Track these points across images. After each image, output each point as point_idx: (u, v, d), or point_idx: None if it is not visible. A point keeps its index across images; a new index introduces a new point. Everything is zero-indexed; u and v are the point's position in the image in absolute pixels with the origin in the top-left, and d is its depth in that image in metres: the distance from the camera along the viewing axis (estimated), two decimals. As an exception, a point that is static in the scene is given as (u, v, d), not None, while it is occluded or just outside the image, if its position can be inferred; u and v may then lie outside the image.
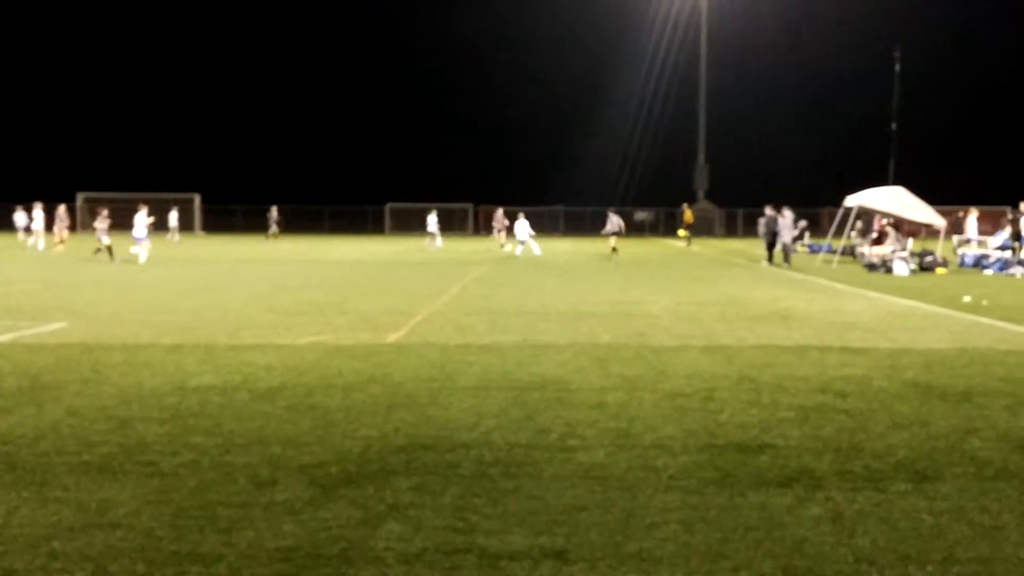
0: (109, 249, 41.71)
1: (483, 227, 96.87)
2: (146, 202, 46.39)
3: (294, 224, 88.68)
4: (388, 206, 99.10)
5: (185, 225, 79.16)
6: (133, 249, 42.34)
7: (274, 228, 76.73)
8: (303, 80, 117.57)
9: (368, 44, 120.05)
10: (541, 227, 55.97)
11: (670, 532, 7.26)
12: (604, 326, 19.87)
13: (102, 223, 42.47)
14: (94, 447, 9.72)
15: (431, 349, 16.46)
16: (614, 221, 52.73)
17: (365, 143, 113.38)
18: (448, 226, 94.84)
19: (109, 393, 12.46)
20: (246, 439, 10.07)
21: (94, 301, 24.97)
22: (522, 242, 54.04)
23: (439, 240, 64.53)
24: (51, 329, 18.88)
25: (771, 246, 45.28)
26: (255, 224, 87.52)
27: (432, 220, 64.59)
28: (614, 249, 51.14)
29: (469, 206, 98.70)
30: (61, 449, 9.63)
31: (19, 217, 60.22)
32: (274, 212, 77.36)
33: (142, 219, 42.29)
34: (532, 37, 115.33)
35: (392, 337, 18.01)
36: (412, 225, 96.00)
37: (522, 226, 54.01)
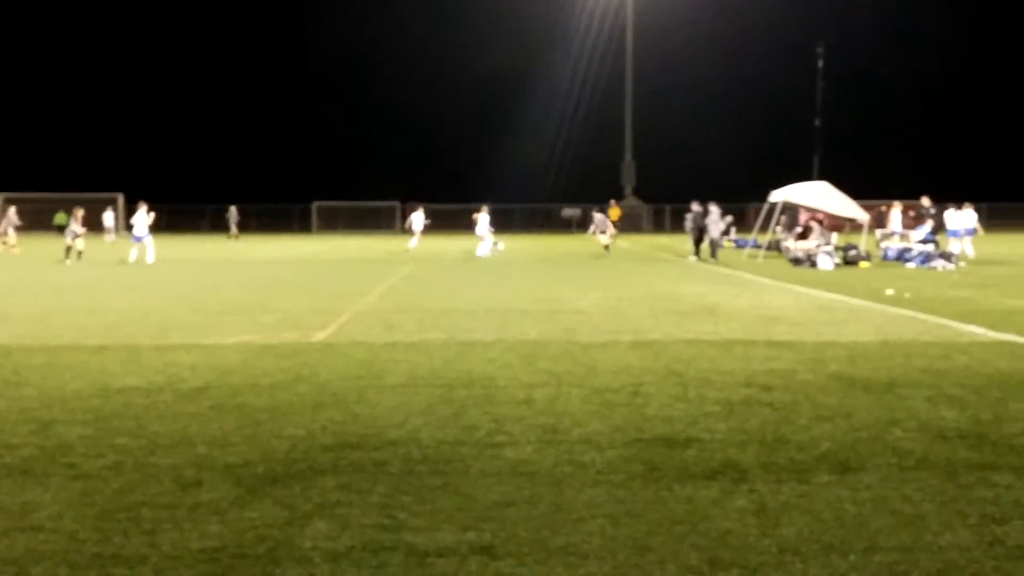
0: (79, 252, 41.39)
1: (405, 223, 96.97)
2: (79, 203, 46.13)
3: (217, 223, 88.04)
4: (315, 204, 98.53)
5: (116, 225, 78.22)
6: (133, 253, 41.36)
7: (234, 229, 75.58)
8: (228, 80, 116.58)
9: (292, 45, 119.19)
10: (469, 225, 55.01)
11: (597, 526, 7.30)
12: (532, 323, 19.91)
13: (78, 226, 42.09)
14: (15, 449, 9.61)
15: (358, 348, 16.42)
16: (598, 219, 52.06)
17: (289, 142, 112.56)
18: (375, 225, 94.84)
19: (30, 395, 12.32)
20: (171, 440, 10.00)
21: (16, 303, 24.67)
22: (482, 237, 52.19)
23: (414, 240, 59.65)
24: (-29, 331, 18.65)
25: (698, 241, 45.83)
26: (182, 224, 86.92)
27: (419, 218, 59.54)
28: (606, 247, 50.28)
29: (396, 204, 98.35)
30: (-18, 452, 9.53)
31: None
32: (234, 211, 76.26)
33: (142, 218, 41.74)
34: (458, 34, 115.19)
35: (319, 336, 17.95)
36: (339, 223, 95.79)
37: (483, 221, 52.35)
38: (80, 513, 7.65)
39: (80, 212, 42.71)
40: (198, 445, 9.78)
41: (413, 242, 55.69)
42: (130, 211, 56.15)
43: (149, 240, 41.59)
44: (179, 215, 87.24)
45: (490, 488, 8.27)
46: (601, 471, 8.80)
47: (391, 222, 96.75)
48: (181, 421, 10.86)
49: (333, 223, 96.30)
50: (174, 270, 37.56)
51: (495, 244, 53.30)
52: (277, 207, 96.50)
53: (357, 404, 11.72)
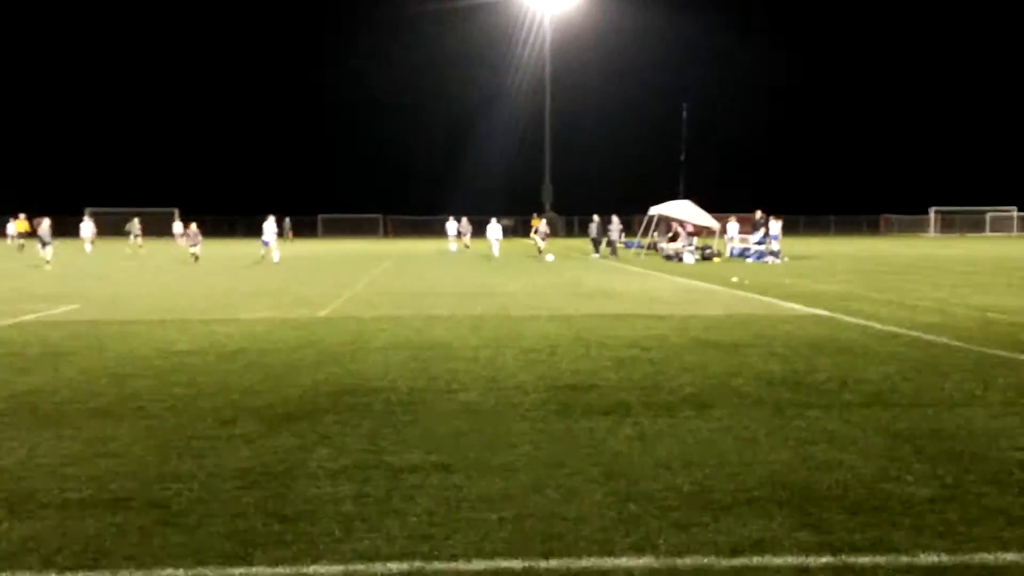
0: (196, 257, 38.64)
1: (390, 231, 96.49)
2: (146, 215, 45.43)
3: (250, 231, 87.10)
4: (320, 216, 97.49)
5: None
6: (269, 252, 38.52)
7: (288, 233, 69.33)
8: (259, 123, 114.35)
9: (309, 96, 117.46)
10: (441, 231, 54.34)
11: (524, 450, 7.33)
12: (477, 302, 19.88)
13: (192, 235, 39.62)
14: (98, 397, 9.53)
15: (351, 321, 16.35)
16: (541, 228, 47.99)
17: (303, 169, 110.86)
18: (364, 231, 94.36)
19: (109, 357, 12.20)
20: (213, 389, 9.94)
21: (97, 290, 24.34)
22: (496, 240, 47.59)
23: (453, 245, 55.08)
24: (66, 309, 18.41)
25: (597, 243, 46.22)
26: (220, 231, 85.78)
27: (453, 226, 55.20)
28: (539, 250, 45.33)
29: (379, 216, 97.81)
30: (72, 399, 9.43)
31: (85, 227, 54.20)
32: (287, 222, 72.49)
33: (271, 226, 38.89)
34: (425, 89, 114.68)
35: (323, 312, 17.85)
36: (345, 229, 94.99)
37: (493, 229, 47.76)
38: (146, 443, 7.60)
39: (193, 225, 40.17)
40: (233, 392, 9.72)
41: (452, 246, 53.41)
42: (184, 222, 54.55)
43: (274, 244, 38.56)
44: (218, 224, 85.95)
45: (447, 423, 8.29)
46: (527, 410, 8.83)
47: (375, 229, 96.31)
48: (220, 375, 10.79)
49: (334, 229, 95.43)
50: (218, 267, 37.15)
51: (462, 245, 52.69)
52: (294, 218, 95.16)
53: (350, 362, 11.69)
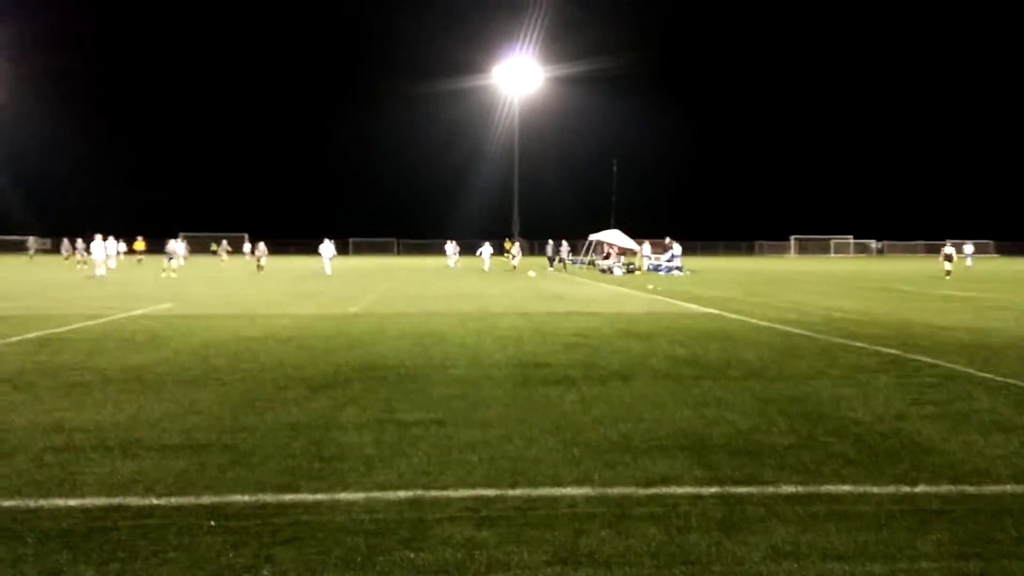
0: (261, 267, 37.71)
1: (402, 251, 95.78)
2: (225, 239, 44.57)
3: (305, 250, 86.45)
4: (351, 240, 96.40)
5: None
6: (327, 267, 36.49)
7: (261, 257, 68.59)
8: (290, 161, 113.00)
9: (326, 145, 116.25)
10: (440, 251, 53.48)
11: (498, 410, 7.31)
12: (465, 303, 19.83)
13: (260, 251, 38.58)
14: (187, 371, 9.40)
15: (373, 316, 16.25)
16: (515, 249, 44.83)
17: (330, 200, 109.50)
18: (379, 250, 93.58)
19: (196, 342, 12.05)
20: (272, 365, 9.84)
21: (187, 292, 24.08)
22: (487, 257, 45.49)
23: (451, 261, 51.60)
24: (164, 307, 18.18)
25: (551, 260, 46.38)
26: (278, 250, 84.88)
27: (451, 247, 51.93)
28: (514, 267, 43.15)
29: (394, 240, 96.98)
30: (169, 372, 9.30)
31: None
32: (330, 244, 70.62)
33: (328, 248, 36.79)
34: (425, 143, 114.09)
35: (352, 310, 17.72)
36: (368, 249, 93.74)
37: (486, 249, 45.62)
38: (222, 404, 7.51)
39: (261, 244, 38.68)
40: (287, 367, 9.63)
41: (451, 262, 50.54)
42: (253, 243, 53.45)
43: (328, 260, 36.42)
44: (275, 245, 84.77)
45: (442, 390, 8.24)
46: (500, 381, 8.81)
47: (391, 248, 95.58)
48: (277, 355, 10.68)
49: (360, 249, 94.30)
50: (275, 277, 36.82)
51: (456, 262, 52.15)
52: (308, 241, 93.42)
53: (372, 346, 11.61)
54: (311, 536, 4.27)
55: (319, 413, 7.13)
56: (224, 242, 56.28)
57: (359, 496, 4.88)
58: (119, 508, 4.70)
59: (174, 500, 4.82)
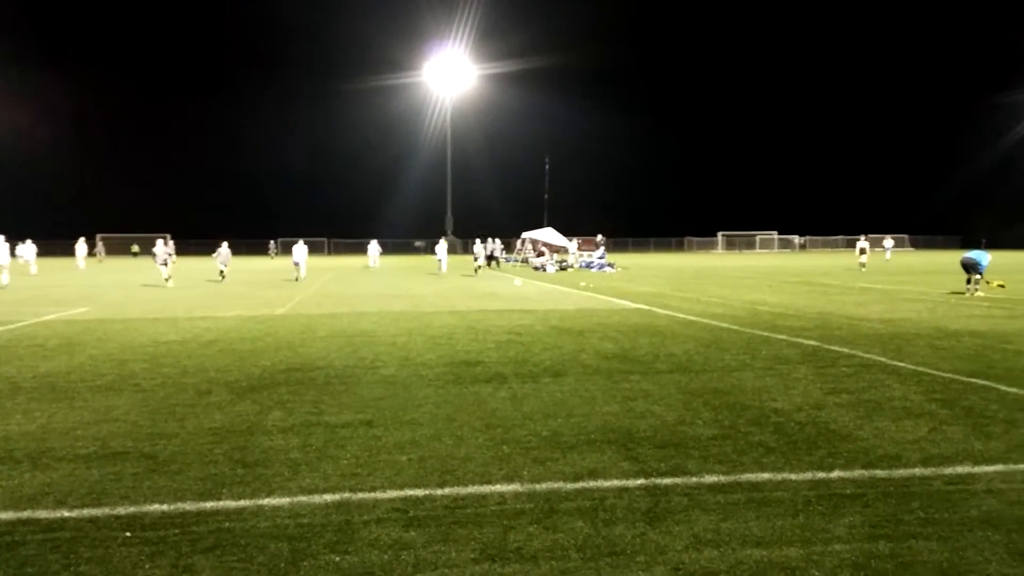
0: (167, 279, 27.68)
1: (332, 250, 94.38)
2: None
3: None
4: (279, 239, 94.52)
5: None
6: (298, 269, 31.86)
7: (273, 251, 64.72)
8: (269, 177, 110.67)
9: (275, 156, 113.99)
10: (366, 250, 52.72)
11: (428, 409, 7.28)
12: (396, 302, 19.66)
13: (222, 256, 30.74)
14: (103, 376, 9.10)
15: (301, 317, 15.98)
16: (479, 248, 38.65)
17: (272, 203, 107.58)
18: (310, 250, 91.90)
19: (113, 346, 11.66)
20: (194, 369, 9.59)
21: (105, 296, 23.25)
22: (443, 259, 39.10)
23: (374, 260, 49.53)
24: (79, 311, 17.52)
25: (488, 259, 46.28)
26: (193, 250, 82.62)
27: (372, 247, 49.76)
28: (477, 269, 37.22)
29: (324, 239, 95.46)
30: (83, 379, 8.98)
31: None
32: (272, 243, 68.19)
33: (301, 249, 31.98)
34: (357, 142, 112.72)
35: (280, 311, 17.39)
36: (315, 248, 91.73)
37: (441, 248, 39.02)
38: (140, 411, 7.29)
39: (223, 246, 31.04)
40: (210, 371, 9.40)
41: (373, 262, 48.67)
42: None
43: (303, 263, 31.93)
44: (206, 246, 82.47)
45: (371, 390, 8.17)
46: (431, 380, 8.78)
47: (322, 248, 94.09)
48: (200, 359, 10.42)
49: (289, 248, 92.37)
50: (203, 279, 35.83)
51: (376, 261, 51.13)
52: (252, 241, 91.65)
53: (300, 348, 11.42)
54: (233, 543, 4.18)
55: (243, 417, 6.98)
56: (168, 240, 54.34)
57: (284, 501, 4.80)
58: (28, 522, 4.52)
59: (87, 512, 4.66)
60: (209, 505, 4.74)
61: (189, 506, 4.73)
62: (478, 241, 40.97)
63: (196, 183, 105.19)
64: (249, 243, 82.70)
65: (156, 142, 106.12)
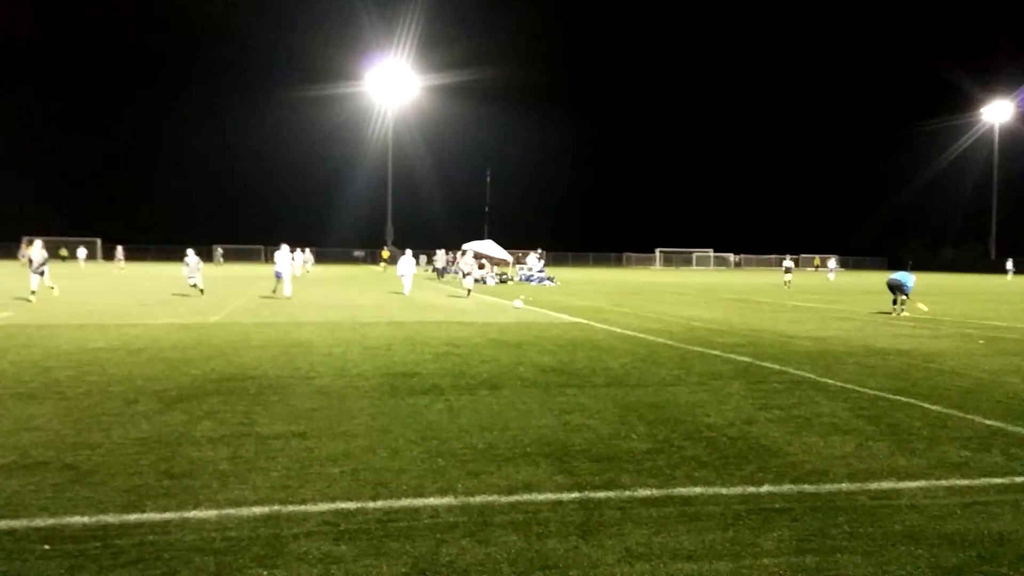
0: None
1: (268, 258, 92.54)
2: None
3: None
4: (219, 247, 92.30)
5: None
6: (281, 285, 25.47)
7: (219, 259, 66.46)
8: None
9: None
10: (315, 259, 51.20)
11: (363, 421, 7.19)
12: (333, 312, 19.40)
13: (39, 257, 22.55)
14: (26, 383, 8.74)
15: (235, 325, 15.63)
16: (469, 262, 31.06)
17: (203, 201, 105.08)
18: (250, 258, 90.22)
19: (37, 353, 11.22)
20: (121, 377, 9.29)
21: (31, 301, 22.36)
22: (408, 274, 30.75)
23: (300, 270, 44.68)
24: (2, 316, 16.82)
25: (440, 272, 46.06)
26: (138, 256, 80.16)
27: (299, 256, 44.72)
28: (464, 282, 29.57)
29: (261, 247, 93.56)
30: (4, 386, 8.62)
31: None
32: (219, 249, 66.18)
33: (284, 256, 25.40)
34: (300, 150, 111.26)
35: (213, 319, 16.99)
36: (239, 256, 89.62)
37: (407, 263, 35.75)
38: (63, 420, 7.03)
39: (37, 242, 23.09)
40: (137, 380, 9.12)
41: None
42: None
43: (287, 276, 25.05)
44: (137, 251, 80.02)
45: (305, 401, 8.04)
46: (367, 391, 8.68)
47: (260, 256, 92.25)
48: (128, 367, 10.10)
49: (226, 256, 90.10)
50: (122, 283, 34.77)
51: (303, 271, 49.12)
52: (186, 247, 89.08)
53: (233, 356, 11.17)
54: (156, 557, 4.04)
55: (171, 428, 6.78)
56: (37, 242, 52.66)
57: (211, 514, 4.67)
58: (-64, 535, 4.30)
59: (4, 523, 4.46)
60: (132, 518, 4.58)
61: (111, 518, 4.56)
62: (408, 252, 38.15)
63: (130, 188, 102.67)
64: (182, 250, 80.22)
65: (88, 145, 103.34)
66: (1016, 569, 4.11)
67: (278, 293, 24.53)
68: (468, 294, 25.30)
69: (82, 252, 63.04)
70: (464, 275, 29.07)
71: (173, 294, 22.17)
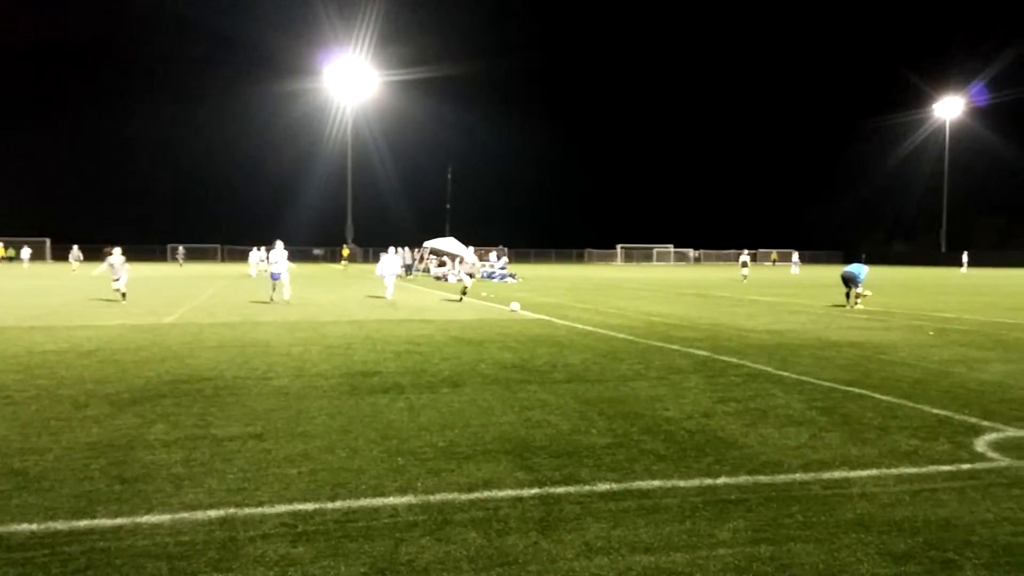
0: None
1: (226, 257, 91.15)
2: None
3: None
4: (169, 246, 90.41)
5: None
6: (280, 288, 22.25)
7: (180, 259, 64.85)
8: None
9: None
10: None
11: (322, 421, 7.14)
12: (292, 311, 19.19)
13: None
14: (-31, 389, 8.51)
15: (190, 326, 15.38)
16: (469, 262, 29.80)
17: (167, 209, 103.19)
18: (205, 257, 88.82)
19: (-18, 356, 10.93)
20: (71, 380, 9.09)
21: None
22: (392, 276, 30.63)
23: (255, 269, 44.21)
24: (-56, 319, 16.35)
25: (408, 268, 45.71)
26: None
27: (264, 254, 42.06)
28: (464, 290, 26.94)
29: (217, 246, 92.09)
30: (-54, 391, 8.38)
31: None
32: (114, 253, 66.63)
33: (279, 254, 22.12)
34: (255, 151, 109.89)
35: (168, 319, 16.69)
36: (193, 255, 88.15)
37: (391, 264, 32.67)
38: (10, 425, 6.86)
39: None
40: (88, 383, 8.93)
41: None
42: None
43: (286, 279, 22.09)
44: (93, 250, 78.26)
45: (262, 402, 7.95)
46: (326, 391, 8.61)
47: (216, 255, 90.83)
48: (78, 369, 9.89)
49: (193, 255, 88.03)
50: (73, 284, 33.97)
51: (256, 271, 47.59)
52: (148, 247, 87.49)
53: (188, 358, 10.99)
54: (107, 564, 3.97)
55: (123, 431, 6.65)
56: (75, 248, 52.01)
57: (164, 518, 4.60)
58: None
59: (-55, 534, 4.34)
60: (83, 524, 4.49)
61: (60, 525, 4.47)
62: (391, 250, 35.01)
63: (80, 186, 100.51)
64: (138, 248, 78.63)
65: (37, 144, 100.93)
66: (961, 554, 4.23)
67: (276, 297, 22.09)
68: (461, 298, 23.32)
69: (26, 252, 61.59)
70: (460, 276, 27.54)
71: (91, 299, 21.72)
